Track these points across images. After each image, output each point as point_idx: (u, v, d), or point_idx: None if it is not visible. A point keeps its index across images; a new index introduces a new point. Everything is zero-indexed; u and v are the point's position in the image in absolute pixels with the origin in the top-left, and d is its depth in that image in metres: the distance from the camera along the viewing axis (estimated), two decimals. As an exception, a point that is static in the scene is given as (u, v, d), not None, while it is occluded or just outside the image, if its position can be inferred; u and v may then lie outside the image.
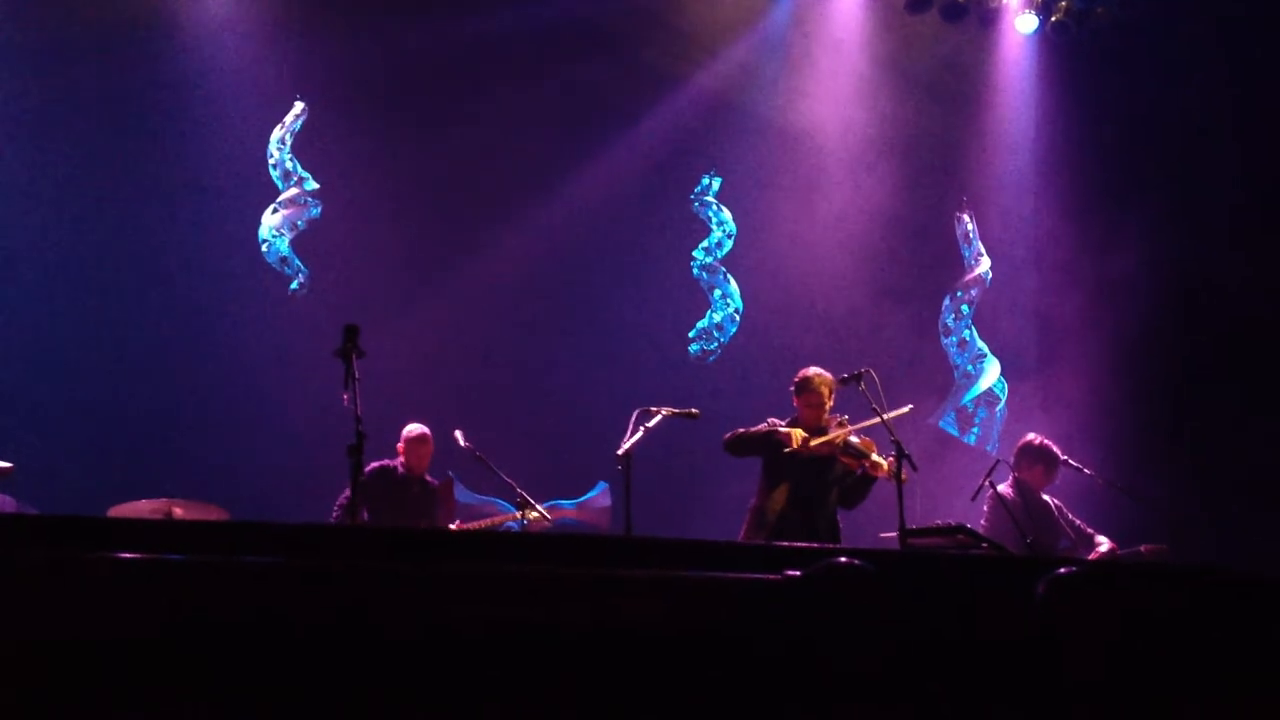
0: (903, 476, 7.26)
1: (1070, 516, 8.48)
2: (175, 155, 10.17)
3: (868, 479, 7.57)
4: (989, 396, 11.54)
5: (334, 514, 8.24)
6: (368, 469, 8.32)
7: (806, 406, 7.64)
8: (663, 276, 11.19)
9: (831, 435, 7.47)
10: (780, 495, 7.52)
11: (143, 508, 7.85)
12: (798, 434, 7.43)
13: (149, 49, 10.16)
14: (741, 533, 7.67)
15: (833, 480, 7.65)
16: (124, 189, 10.03)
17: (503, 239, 10.75)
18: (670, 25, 11.12)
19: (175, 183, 10.14)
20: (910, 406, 7.56)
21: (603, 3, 10.88)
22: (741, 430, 7.65)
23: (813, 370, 7.72)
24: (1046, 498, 8.49)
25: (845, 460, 7.54)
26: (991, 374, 11.56)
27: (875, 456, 7.45)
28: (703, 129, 11.31)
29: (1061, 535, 8.34)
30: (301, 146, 10.54)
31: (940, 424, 11.40)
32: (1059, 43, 11.39)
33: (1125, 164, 11.13)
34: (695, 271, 11.27)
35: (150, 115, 10.15)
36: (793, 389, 7.78)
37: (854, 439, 7.47)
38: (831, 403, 7.69)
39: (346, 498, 8.13)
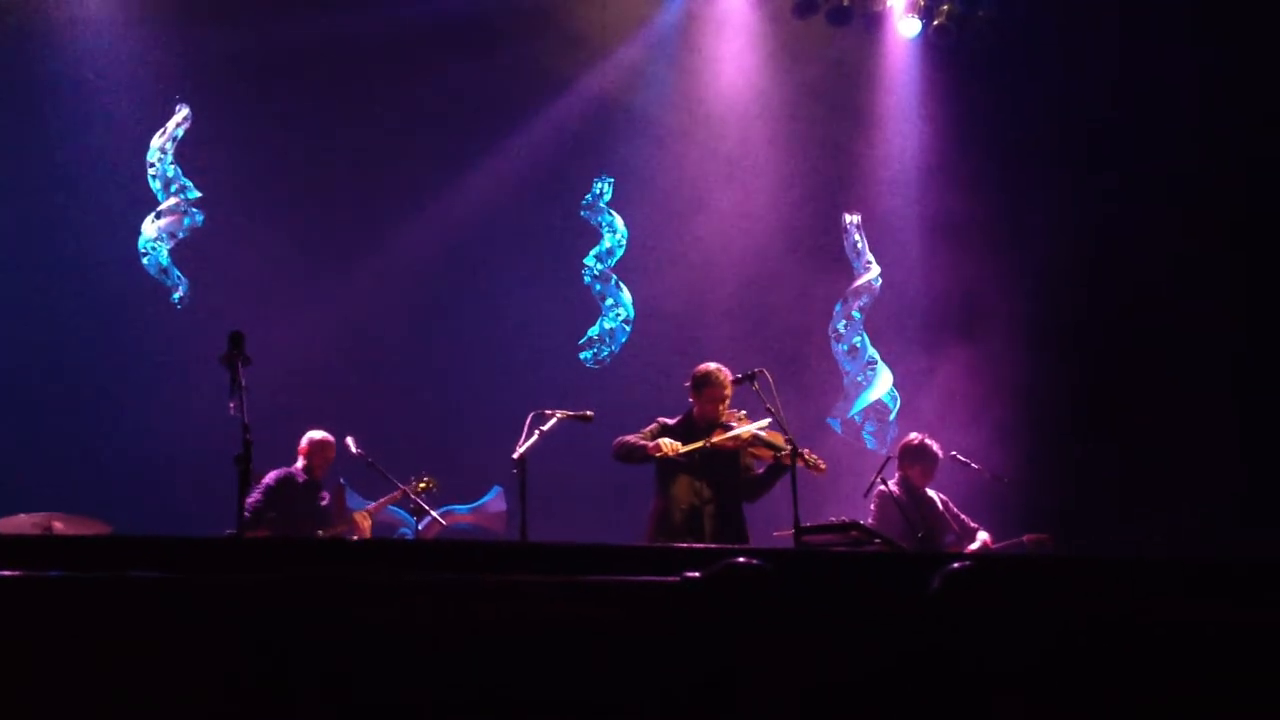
0: (820, 465, 7.32)
1: (955, 510, 8.64)
2: (49, 159, 9.88)
3: (780, 469, 7.39)
4: (879, 408, 11.59)
5: (246, 515, 8.07)
6: (271, 477, 8.24)
7: (708, 401, 7.57)
8: (556, 278, 11.14)
9: (739, 430, 7.47)
10: (683, 494, 7.47)
11: (21, 523, 7.62)
12: (667, 445, 7.38)
13: (19, 44, 9.84)
14: (647, 534, 7.58)
15: (736, 474, 7.65)
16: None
17: (390, 241, 10.62)
18: (560, 25, 11.08)
19: (51, 187, 9.85)
20: (769, 420, 7.51)
21: (492, 2, 10.81)
22: (629, 441, 7.54)
23: (712, 365, 7.66)
24: (931, 493, 8.65)
25: (756, 452, 7.52)
26: (883, 383, 11.59)
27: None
28: (592, 129, 11.29)
29: (947, 529, 8.50)
30: (181, 145, 10.31)
31: (829, 420, 11.51)
32: (941, 46, 11.61)
33: (1007, 162, 11.40)
34: (586, 279, 11.23)
35: (20, 115, 9.84)
36: (689, 384, 7.71)
37: (760, 432, 7.47)
38: (730, 395, 7.66)
39: (256, 502, 8.05)
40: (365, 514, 8.46)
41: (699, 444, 7.42)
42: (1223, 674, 4.45)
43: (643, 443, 7.49)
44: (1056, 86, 11.21)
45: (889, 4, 11.43)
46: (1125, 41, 10.73)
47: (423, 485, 8.42)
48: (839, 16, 11.39)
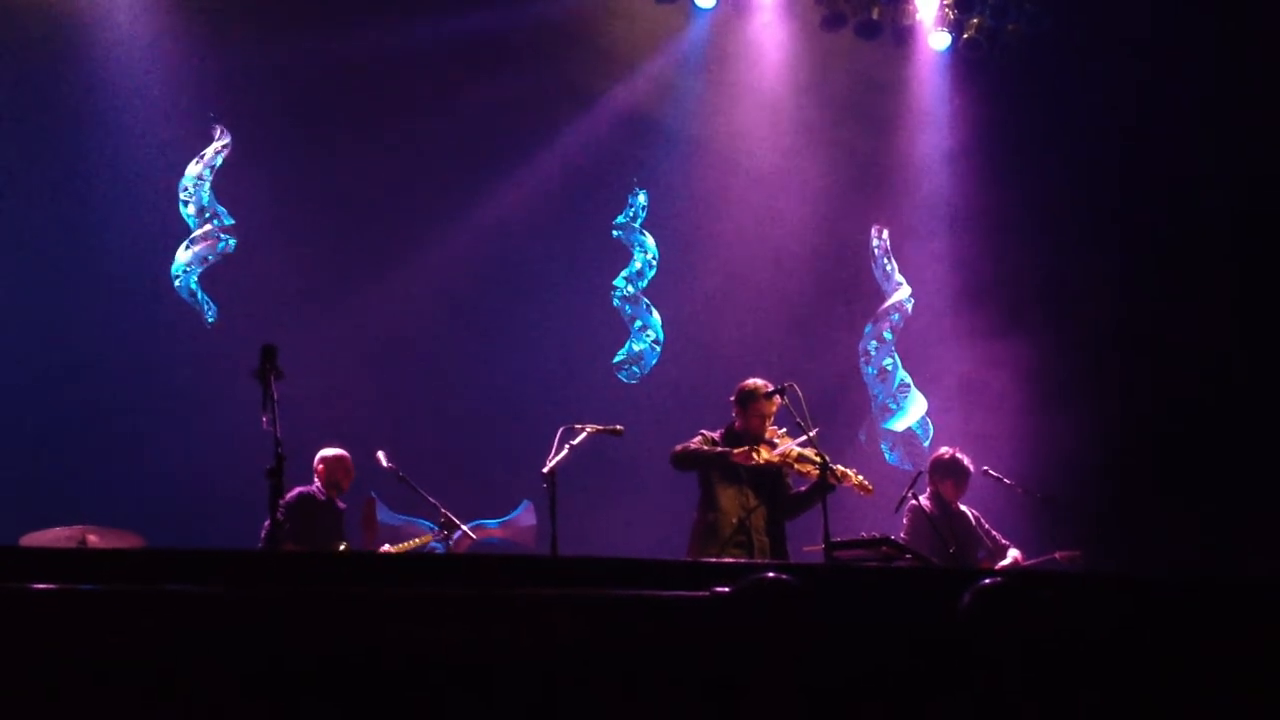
0: (867, 486, 7.31)
1: (986, 526, 8.59)
2: (83, 177, 9.95)
3: (825, 488, 7.21)
4: (909, 437, 11.48)
5: (261, 543, 8.09)
6: (290, 495, 8.17)
7: (755, 416, 7.55)
8: (586, 291, 11.16)
9: (785, 448, 7.46)
10: (732, 507, 7.46)
11: (56, 536, 7.64)
12: (757, 453, 7.38)
13: (59, 67, 9.94)
14: (690, 548, 7.54)
15: (780, 490, 7.62)
16: (36, 212, 9.81)
17: (423, 257, 10.66)
18: (590, 40, 11.12)
19: (85, 203, 9.93)
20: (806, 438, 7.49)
21: (519, 19, 10.84)
22: (693, 448, 7.52)
23: (758, 380, 7.64)
24: (964, 508, 8.60)
25: (802, 469, 7.50)
26: (915, 410, 11.48)
27: (839, 466, 7.38)
28: (622, 144, 11.32)
29: (979, 545, 8.45)
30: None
31: (859, 435, 11.48)
32: (971, 59, 11.59)
33: (1039, 174, 11.36)
34: (616, 302, 11.23)
35: (62, 138, 9.93)
36: (734, 399, 7.68)
37: (805, 450, 7.44)
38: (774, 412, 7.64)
39: (278, 520, 8.01)
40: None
41: (774, 452, 7.42)
42: (1251, 692, 4.41)
43: (723, 449, 7.46)
44: (1087, 98, 11.18)
45: (918, 17, 11.41)
46: (1153, 52, 10.69)
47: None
48: (868, 30, 11.38)
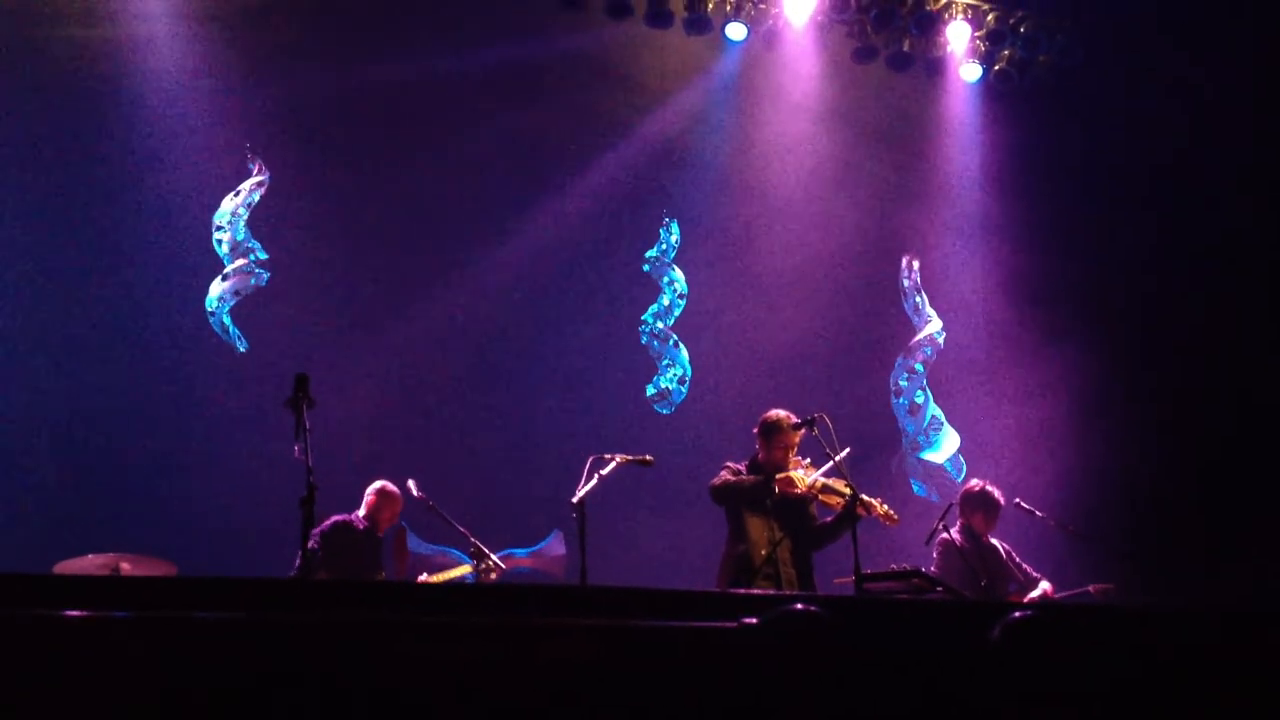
0: (893, 516, 7.27)
1: (1017, 560, 8.54)
2: (126, 208, 10.05)
3: (851, 518, 7.23)
4: (939, 472, 11.39)
5: (298, 560, 8.11)
6: (328, 524, 8.21)
7: (779, 448, 7.54)
8: (617, 321, 11.18)
9: (813, 478, 7.44)
10: (763, 539, 7.43)
11: (89, 563, 7.70)
12: (800, 479, 7.39)
13: (97, 101, 10.05)
14: (720, 579, 7.53)
15: (806, 520, 7.61)
16: (70, 243, 9.89)
17: (452, 288, 10.70)
18: (619, 73, 11.18)
19: (120, 232, 10.01)
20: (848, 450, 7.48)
21: (551, 51, 10.92)
22: (732, 481, 7.53)
23: (781, 412, 7.63)
24: (995, 542, 8.54)
25: (826, 500, 7.48)
26: (947, 446, 11.40)
27: (864, 496, 7.33)
28: (653, 175, 11.36)
29: (1011, 579, 8.40)
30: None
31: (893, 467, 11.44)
32: (1002, 90, 11.59)
33: (1069, 206, 11.34)
34: (644, 338, 11.24)
35: (99, 166, 10.01)
36: (757, 431, 7.69)
37: (829, 480, 7.43)
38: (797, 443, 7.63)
39: (314, 549, 8.03)
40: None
41: (805, 484, 7.41)
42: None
43: (763, 478, 7.46)
44: (1118, 130, 11.16)
45: (950, 49, 11.42)
46: (1185, 82, 10.66)
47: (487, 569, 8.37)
48: (900, 62, 11.40)
